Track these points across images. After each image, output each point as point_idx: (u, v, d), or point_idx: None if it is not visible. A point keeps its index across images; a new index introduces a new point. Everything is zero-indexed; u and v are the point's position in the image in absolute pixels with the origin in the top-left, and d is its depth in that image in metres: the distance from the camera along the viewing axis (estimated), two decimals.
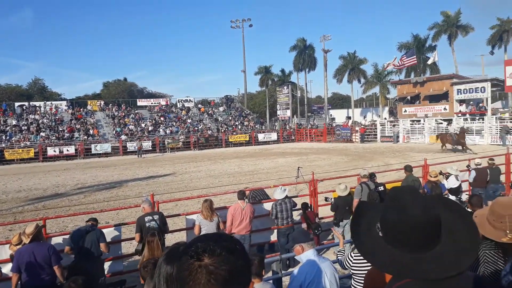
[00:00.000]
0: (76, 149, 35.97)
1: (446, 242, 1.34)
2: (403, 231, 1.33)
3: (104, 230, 7.08)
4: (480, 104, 34.05)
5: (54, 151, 35.27)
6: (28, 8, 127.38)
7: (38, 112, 43.80)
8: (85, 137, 39.32)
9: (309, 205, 9.20)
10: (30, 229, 5.65)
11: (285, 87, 53.37)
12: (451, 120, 32.51)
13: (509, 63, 32.50)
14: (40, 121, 41.71)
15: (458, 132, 26.66)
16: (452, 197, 9.74)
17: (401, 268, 1.33)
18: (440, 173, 10.96)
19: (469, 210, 6.55)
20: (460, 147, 26.04)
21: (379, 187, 9.35)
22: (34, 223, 6.01)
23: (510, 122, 29.94)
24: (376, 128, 40.00)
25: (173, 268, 1.02)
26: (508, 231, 2.53)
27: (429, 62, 43.85)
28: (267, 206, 9.02)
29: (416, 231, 1.31)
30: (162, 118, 46.79)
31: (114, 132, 41.92)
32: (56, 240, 7.06)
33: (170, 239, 8.95)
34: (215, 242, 1.02)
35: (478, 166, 11.22)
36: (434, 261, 1.30)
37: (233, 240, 1.07)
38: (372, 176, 9.69)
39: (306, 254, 4.41)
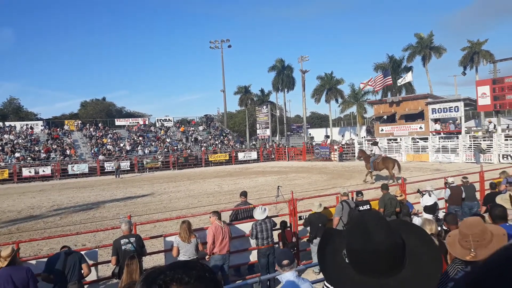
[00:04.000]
0: (52, 170, 35.19)
1: (410, 267, 1.36)
2: (368, 257, 1.34)
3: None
4: (457, 122, 34.94)
5: (30, 172, 34.44)
6: (5, 28, 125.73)
7: (13, 132, 42.85)
8: (62, 157, 38.57)
9: (288, 224, 9.21)
10: (6, 252, 5.50)
11: (264, 107, 53.74)
12: (376, 141, 27.40)
13: (481, 84, 33.55)
14: (15, 141, 40.78)
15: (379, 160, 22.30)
16: (428, 215, 9.90)
17: None
18: (418, 191, 11.17)
19: (445, 228, 6.69)
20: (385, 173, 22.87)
21: (365, 206, 9.43)
22: (10, 246, 5.85)
23: (483, 140, 30.77)
24: (354, 147, 40.50)
25: None
26: (471, 249, 2.61)
27: (401, 82, 44.84)
28: (245, 226, 8.99)
29: (380, 256, 1.32)
30: (140, 138, 46.36)
31: (91, 152, 41.27)
32: (32, 263, 6.88)
33: (148, 261, 8.80)
34: (184, 270, 1.03)
35: (452, 185, 11.46)
36: (399, 286, 1.32)
37: (203, 268, 1.07)
38: (358, 194, 9.80)
39: (286, 275, 4.40)
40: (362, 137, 45.32)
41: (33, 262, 7.03)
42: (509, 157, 28.29)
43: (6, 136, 41.71)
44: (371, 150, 23.84)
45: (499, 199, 7.54)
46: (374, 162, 22.20)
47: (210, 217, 8.22)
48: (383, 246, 1.32)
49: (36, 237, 11.86)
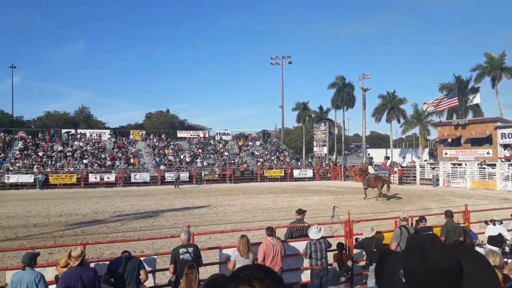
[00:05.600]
0: (116, 177, 37.04)
1: None
2: (425, 276, 1.36)
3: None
4: None
5: (95, 178, 36.46)
6: (79, 40, 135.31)
7: (83, 140, 45.70)
8: (126, 165, 40.51)
9: (345, 246, 9.07)
10: (76, 253, 5.91)
11: (322, 124, 53.38)
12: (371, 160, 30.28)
13: None
14: (84, 148, 43.44)
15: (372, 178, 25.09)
16: (495, 248, 9.34)
17: None
18: (485, 222, 10.58)
19: (510, 261, 6.30)
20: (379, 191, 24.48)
21: (428, 231, 9.06)
22: (79, 247, 6.28)
23: None
24: (415, 170, 39.00)
25: None
26: None
27: (469, 103, 42.80)
28: (300, 245, 8.95)
29: (437, 276, 1.35)
30: (200, 150, 47.65)
31: (153, 162, 42.97)
32: (92, 266, 7.29)
33: (203, 273, 9.00)
34: (262, 270, 1.11)
35: None
36: None
37: (275, 271, 1.16)
38: (422, 219, 9.46)
39: None
40: (425, 160, 43.56)
41: (94, 264, 7.40)
42: None
43: (76, 143, 44.55)
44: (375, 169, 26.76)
45: None
46: (368, 180, 25.00)
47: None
48: (439, 266, 1.35)
49: (99, 240, 12.54)
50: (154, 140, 49.19)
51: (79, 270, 5.84)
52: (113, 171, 38.23)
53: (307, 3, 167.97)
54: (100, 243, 10.23)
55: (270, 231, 8.19)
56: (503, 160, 33.18)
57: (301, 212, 10.40)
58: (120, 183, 36.72)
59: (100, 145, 45.32)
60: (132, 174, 37.87)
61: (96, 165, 39.82)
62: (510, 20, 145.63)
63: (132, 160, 42.19)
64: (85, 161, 40.08)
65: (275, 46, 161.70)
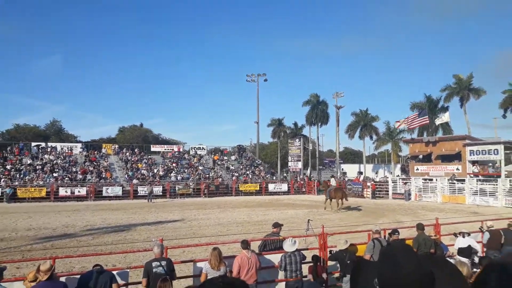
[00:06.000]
0: (87, 191, 36.23)
1: None
2: (399, 286, 1.39)
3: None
4: (496, 165, 33.83)
5: (66, 191, 35.56)
6: (54, 54, 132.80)
7: (53, 153, 44.60)
8: (98, 179, 39.70)
9: (320, 259, 9.11)
10: (45, 267, 5.72)
11: (297, 140, 53.87)
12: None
13: None
14: (55, 161, 42.40)
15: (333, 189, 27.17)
16: (464, 259, 9.56)
17: None
18: (454, 234, 10.83)
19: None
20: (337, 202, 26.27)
21: None
22: (48, 261, 6.08)
23: None
24: (388, 185, 39.68)
25: None
26: None
27: (438, 122, 44.07)
28: (274, 257, 8.94)
29: (411, 286, 1.38)
30: (174, 164, 47.21)
31: (126, 176, 42.29)
32: (63, 280, 7.07)
33: (177, 286, 8.85)
34: (230, 279, 1.11)
35: (491, 228, 11.06)
36: None
37: (243, 281, 1.16)
38: (394, 232, 9.61)
39: None
40: (397, 176, 44.43)
41: (64, 278, 7.17)
42: None
43: (46, 156, 43.46)
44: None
45: None
46: (329, 192, 27.04)
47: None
48: (412, 276, 1.38)
49: (69, 254, 12.19)
50: (127, 154, 48.50)
51: (48, 285, 5.66)
52: (84, 185, 37.38)
53: (283, 22, 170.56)
54: (70, 257, 9.96)
55: (245, 244, 8.18)
56: (472, 175, 34.15)
57: (277, 225, 10.42)
58: (91, 197, 35.90)
59: (71, 158, 44.36)
60: (104, 188, 37.10)
61: (66, 178, 38.85)
62: (478, 42, 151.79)
63: (104, 174, 41.39)
64: (55, 174, 39.08)
65: (251, 63, 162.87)
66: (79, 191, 36.02)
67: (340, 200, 26.04)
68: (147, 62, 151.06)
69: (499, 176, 32.07)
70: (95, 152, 48.09)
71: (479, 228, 11.72)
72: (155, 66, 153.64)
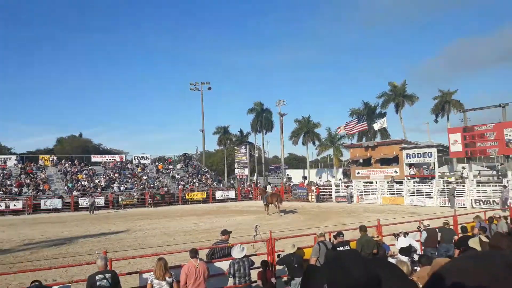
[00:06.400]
0: (24, 204, 34.17)
1: None
2: None
3: None
4: (430, 167, 35.89)
5: (0, 205, 33.33)
6: None
7: None
8: (35, 192, 37.58)
9: (269, 264, 9.19)
10: None
11: (243, 147, 54.16)
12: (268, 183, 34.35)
13: (452, 131, 34.87)
14: None
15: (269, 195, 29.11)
16: (404, 257, 10.04)
17: None
18: (393, 234, 11.35)
19: (419, 269, 6.83)
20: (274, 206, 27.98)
21: (345, 246, 9.48)
22: None
23: (456, 185, 31.57)
24: (331, 189, 40.86)
25: None
26: None
27: (376, 127, 46.16)
28: (223, 264, 8.93)
29: None
30: (116, 175, 45.73)
31: (66, 187, 40.38)
32: None
33: None
34: None
35: (428, 227, 11.72)
36: None
37: None
38: (339, 234, 9.87)
39: None
40: (339, 179, 45.89)
41: None
42: (481, 202, 28.99)
43: None
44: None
45: (471, 242, 7.77)
46: (266, 197, 28.84)
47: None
48: (361, 281, 1.43)
49: (4, 271, 11.43)
50: (66, 165, 46.31)
51: None
52: (20, 198, 35.23)
53: (225, 31, 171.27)
54: (6, 274, 9.33)
55: (194, 253, 8.10)
56: (409, 177, 36.02)
57: (225, 232, 10.42)
58: (28, 210, 33.92)
59: (5, 171, 41.66)
60: (42, 201, 35.15)
61: (1, 192, 36.40)
62: (411, 51, 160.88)
63: (42, 187, 39.26)
64: None
65: (194, 71, 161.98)
66: (14, 205, 33.90)
67: (276, 203, 27.84)
68: (85, 66, 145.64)
69: (433, 178, 34.09)
70: (32, 164, 45.50)
71: (417, 228, 12.36)
72: (94, 72, 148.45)
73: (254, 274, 8.96)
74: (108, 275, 7.03)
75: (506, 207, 24.17)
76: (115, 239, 18.81)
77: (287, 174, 61.37)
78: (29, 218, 30.99)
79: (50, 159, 47.42)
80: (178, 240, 17.77)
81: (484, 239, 8.50)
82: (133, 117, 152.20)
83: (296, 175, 61.78)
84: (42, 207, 34.61)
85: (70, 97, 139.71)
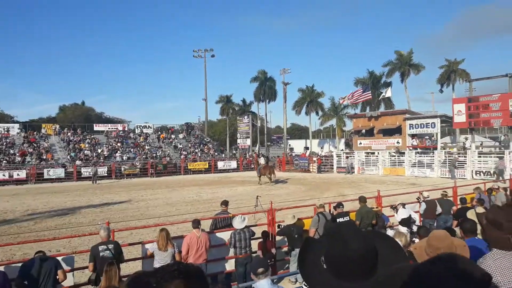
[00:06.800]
0: (27, 174, 34.48)
1: (382, 272, 1.49)
2: (345, 263, 1.46)
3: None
4: (433, 138, 35.81)
5: (4, 175, 33.67)
6: None
7: None
8: (38, 161, 37.83)
9: (269, 234, 9.30)
10: None
11: (245, 117, 53.98)
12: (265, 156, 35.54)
13: (457, 101, 34.57)
14: None
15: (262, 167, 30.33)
16: (403, 228, 10.15)
17: None
18: (391, 207, 11.43)
19: (418, 240, 6.89)
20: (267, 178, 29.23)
21: (345, 217, 9.55)
22: None
23: (458, 156, 31.58)
24: (332, 159, 40.96)
25: None
26: None
27: (380, 97, 45.80)
28: (224, 235, 9.04)
29: (356, 262, 1.45)
30: (119, 144, 45.87)
31: (68, 157, 40.61)
32: (3, 269, 6.75)
33: (125, 269, 8.73)
34: (185, 266, 1.10)
35: (427, 199, 11.79)
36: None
37: (198, 267, 1.16)
38: (339, 205, 9.92)
39: (261, 283, 4.49)
40: (341, 150, 45.91)
41: (3, 267, 6.86)
42: (481, 174, 29.07)
43: None
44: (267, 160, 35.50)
45: (469, 214, 7.82)
46: (259, 169, 30.19)
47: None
48: (359, 253, 1.45)
49: (9, 241, 11.63)
50: (69, 134, 46.41)
51: None
52: (23, 168, 35.51)
53: None
54: (10, 244, 9.51)
55: (196, 224, 8.21)
56: (411, 148, 35.99)
57: (225, 203, 10.53)
58: (31, 180, 34.25)
59: (8, 140, 41.80)
60: (45, 170, 35.46)
61: (4, 161, 36.66)
62: (418, 19, 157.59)
63: (44, 156, 39.48)
64: None
65: (198, 38, 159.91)
66: (18, 174, 34.21)
67: (268, 175, 29.16)
68: (87, 34, 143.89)
69: (435, 149, 34.04)
70: (34, 132, 45.58)
71: (416, 199, 12.43)
72: (96, 39, 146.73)
73: (254, 245, 9.08)
74: (111, 246, 7.12)
75: (501, 179, 24.32)
76: (117, 209, 19.04)
77: (289, 145, 61.38)
78: (33, 187, 31.33)
79: (53, 128, 47.47)
80: (180, 211, 17.96)
81: (481, 210, 8.57)
82: (135, 85, 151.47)
83: (298, 145, 61.78)
84: (45, 176, 34.94)
85: (73, 65, 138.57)
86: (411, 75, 51.68)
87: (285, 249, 9.66)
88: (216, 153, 49.49)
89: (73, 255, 7.86)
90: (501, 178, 24.60)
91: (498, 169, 27.68)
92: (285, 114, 57.32)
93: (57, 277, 6.50)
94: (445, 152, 33.35)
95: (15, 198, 24.16)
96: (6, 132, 43.60)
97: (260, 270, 4.57)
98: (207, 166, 42.95)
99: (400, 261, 1.55)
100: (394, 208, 10.97)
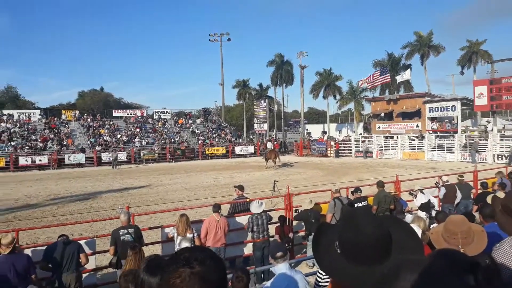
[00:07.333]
0: (49, 159, 35.24)
1: (396, 257, 1.50)
2: (358, 247, 1.48)
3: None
4: (453, 122, 35.18)
5: (26, 160, 34.48)
6: (3, 14, 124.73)
7: (10, 121, 42.75)
8: (59, 147, 38.59)
9: (286, 219, 9.36)
10: (7, 240, 5.61)
11: (262, 101, 53.79)
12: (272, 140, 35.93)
13: (478, 84, 33.75)
14: (12, 130, 40.72)
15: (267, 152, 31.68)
16: (422, 213, 10.06)
17: (357, 279, 1.48)
18: (410, 193, 11.32)
19: (435, 225, 6.83)
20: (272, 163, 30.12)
21: (363, 202, 9.54)
22: (10, 234, 5.97)
23: (479, 140, 30.99)
24: (351, 144, 40.67)
25: (158, 278, 1.10)
26: (460, 246, 2.76)
27: (399, 80, 44.97)
28: (242, 219, 9.13)
29: (369, 247, 1.47)
30: (138, 129, 46.37)
31: (88, 142, 41.29)
32: (28, 252, 6.97)
33: (145, 252, 8.92)
34: (202, 252, 1.13)
35: (447, 183, 11.63)
36: (384, 273, 1.47)
37: (215, 252, 1.19)
38: (357, 190, 9.88)
39: (279, 267, 4.54)
40: (359, 134, 45.50)
41: (30, 250, 7.09)
42: (503, 158, 28.50)
43: (3, 124, 41.60)
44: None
45: (489, 199, 7.69)
46: (265, 154, 31.50)
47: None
48: (372, 238, 1.47)
49: (33, 225, 11.97)
50: (88, 120, 47.09)
51: (11, 258, 5.58)
52: (45, 153, 36.29)
53: None
54: (34, 228, 9.78)
55: (216, 208, 8.32)
56: (431, 132, 35.45)
57: (241, 188, 10.61)
58: (53, 165, 34.99)
59: (30, 126, 42.67)
60: (66, 156, 36.18)
61: (26, 147, 37.51)
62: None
63: (65, 141, 40.23)
64: (13, 143, 37.63)
65: (214, 22, 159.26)
66: (40, 160, 34.98)
67: (273, 159, 30.06)
68: (104, 21, 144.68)
69: (455, 132, 33.44)
70: (55, 118, 46.37)
71: (435, 184, 12.29)
72: (113, 25, 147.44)
73: (272, 229, 9.16)
74: (131, 230, 7.27)
75: None
76: (137, 194, 19.37)
77: (307, 129, 61.11)
78: (54, 172, 32.02)
79: (73, 114, 48.21)
80: (198, 195, 18.18)
81: (502, 195, 8.42)
82: (153, 71, 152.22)
83: (315, 130, 61.43)
84: (66, 162, 35.65)
85: (91, 50, 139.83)
86: (431, 57, 50.58)
87: (302, 233, 9.71)
88: (233, 138, 49.63)
89: (95, 238, 8.06)
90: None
91: (511, 153, 27.12)
92: (302, 98, 56.93)
93: (80, 260, 6.69)
94: (465, 135, 32.74)
95: (38, 183, 24.77)
96: (27, 119, 44.47)
97: (279, 254, 4.62)
98: (224, 151, 43.16)
99: (414, 246, 1.56)
100: (414, 194, 10.87)
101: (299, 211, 9.57)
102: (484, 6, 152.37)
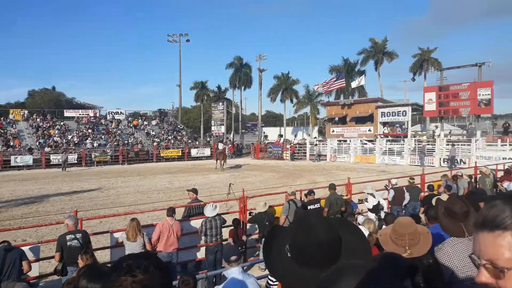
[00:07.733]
0: None
1: (345, 258, 1.51)
2: (310, 250, 1.48)
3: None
4: (403, 126, 36.54)
5: None
6: None
7: None
8: (5, 148, 36.64)
9: (240, 222, 9.33)
10: None
11: (220, 103, 53.63)
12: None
13: (428, 90, 35.27)
14: None
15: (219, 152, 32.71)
16: (372, 215, 10.36)
17: (305, 282, 1.48)
18: (359, 201, 11.64)
19: (384, 227, 7.04)
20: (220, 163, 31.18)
21: (316, 205, 9.69)
22: None
23: (427, 144, 32.34)
24: (305, 147, 41.32)
25: (99, 286, 1.05)
26: (407, 247, 2.85)
27: (354, 85, 46.27)
28: (197, 223, 9.02)
29: (321, 250, 1.48)
30: (90, 130, 44.88)
31: (37, 143, 39.50)
32: None
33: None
34: (146, 259, 1.08)
35: (396, 186, 12.05)
36: (334, 275, 1.47)
37: (160, 259, 1.14)
38: (310, 193, 10.03)
39: (232, 271, 4.50)
40: (314, 138, 46.35)
41: None
42: (449, 161, 29.88)
43: None
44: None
45: (434, 201, 8.02)
46: (216, 155, 32.77)
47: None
48: (324, 240, 1.48)
49: None
50: (38, 120, 45.04)
51: None
52: None
53: None
54: None
55: (171, 212, 8.20)
56: (382, 136, 36.65)
57: (195, 191, 10.49)
58: None
59: None
60: (12, 157, 34.39)
61: None
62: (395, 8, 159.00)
63: (12, 142, 38.26)
64: None
65: (173, 22, 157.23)
66: None
67: (221, 161, 31.08)
68: (57, 17, 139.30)
69: (405, 137, 34.76)
70: (1, 118, 43.98)
71: (384, 186, 12.69)
72: (68, 22, 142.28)
73: (226, 232, 9.10)
74: (78, 235, 7.00)
75: (454, 167, 25.13)
76: (87, 198, 18.68)
77: (264, 132, 61.50)
78: None
79: (21, 113, 45.94)
80: (151, 199, 17.81)
81: (445, 197, 8.82)
82: (108, 71, 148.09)
83: (272, 133, 61.98)
84: (12, 163, 33.90)
85: (43, 48, 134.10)
86: (385, 63, 52.46)
87: (256, 236, 9.72)
88: (189, 141, 49.10)
89: (39, 244, 7.70)
90: (453, 166, 25.46)
91: (450, 156, 28.50)
92: (260, 101, 57.32)
93: (22, 267, 6.36)
94: (415, 140, 34.09)
95: None
96: None
97: (233, 257, 4.58)
98: (180, 154, 42.59)
99: (363, 248, 1.58)
100: (364, 199, 11.20)
101: (254, 214, 9.59)
102: (435, 17, 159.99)
